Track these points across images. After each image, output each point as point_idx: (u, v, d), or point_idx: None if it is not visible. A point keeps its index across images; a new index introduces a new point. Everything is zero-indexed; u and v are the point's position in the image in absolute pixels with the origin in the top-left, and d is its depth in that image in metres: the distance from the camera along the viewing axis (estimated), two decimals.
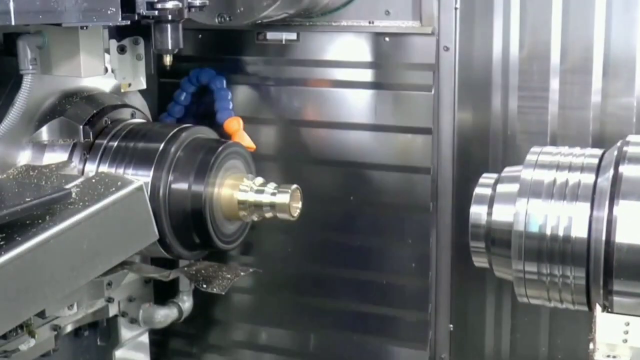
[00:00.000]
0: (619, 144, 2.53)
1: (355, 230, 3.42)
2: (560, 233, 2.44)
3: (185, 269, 3.14)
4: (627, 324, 2.35)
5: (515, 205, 2.51)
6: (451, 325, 3.41)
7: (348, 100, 3.35)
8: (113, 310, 3.34)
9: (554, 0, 3.06)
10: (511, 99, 3.18)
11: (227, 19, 3.10)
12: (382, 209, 3.36)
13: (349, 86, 3.35)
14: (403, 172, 3.31)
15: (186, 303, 3.54)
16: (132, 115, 3.20)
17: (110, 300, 3.28)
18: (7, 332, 2.70)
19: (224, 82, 3.45)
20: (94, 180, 2.47)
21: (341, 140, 3.39)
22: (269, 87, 3.46)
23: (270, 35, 3.41)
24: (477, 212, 2.63)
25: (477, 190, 2.66)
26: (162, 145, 2.95)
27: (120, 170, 2.94)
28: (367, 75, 3.31)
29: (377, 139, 3.32)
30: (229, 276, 3.04)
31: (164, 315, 3.47)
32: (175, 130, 3.04)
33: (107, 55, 3.02)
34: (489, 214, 2.59)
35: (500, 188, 2.61)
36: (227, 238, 3.06)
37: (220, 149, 2.98)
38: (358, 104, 3.33)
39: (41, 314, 2.86)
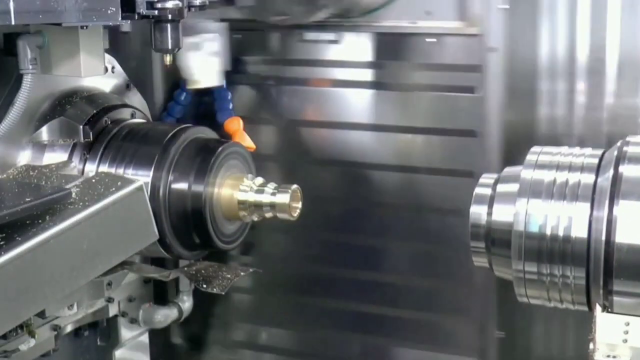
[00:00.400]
0: (619, 143, 2.53)
1: (400, 234, 3.38)
2: (560, 233, 2.44)
3: (185, 269, 3.13)
4: (627, 324, 2.35)
5: (515, 205, 2.51)
6: (500, 332, 3.32)
7: (389, 102, 3.31)
8: (113, 310, 3.33)
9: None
10: (559, 100, 3.11)
11: (284, 17, 3.14)
12: (425, 213, 3.32)
13: (390, 88, 3.31)
14: (447, 176, 3.26)
15: (186, 303, 3.54)
16: (132, 115, 3.20)
17: (110, 300, 3.27)
18: (7, 332, 2.70)
19: (224, 82, 3.45)
20: (94, 180, 2.47)
21: (389, 143, 3.35)
22: (310, 88, 3.44)
23: (310, 36, 3.38)
24: (477, 212, 2.62)
25: (477, 190, 2.66)
26: (162, 145, 2.95)
27: (120, 170, 2.94)
28: (409, 76, 3.26)
29: (421, 142, 3.28)
30: (229, 276, 3.04)
31: (164, 315, 3.47)
32: (175, 130, 3.04)
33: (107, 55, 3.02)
34: (489, 214, 2.59)
35: (500, 188, 2.61)
36: (227, 238, 3.06)
37: (220, 149, 2.98)
38: (399, 106, 3.29)
39: (41, 314, 2.86)
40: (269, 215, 2.98)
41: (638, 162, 2.42)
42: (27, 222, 2.12)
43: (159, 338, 3.73)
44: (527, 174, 2.56)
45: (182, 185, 2.91)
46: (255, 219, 3.02)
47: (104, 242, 2.32)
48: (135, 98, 3.36)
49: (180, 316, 3.52)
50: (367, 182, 3.38)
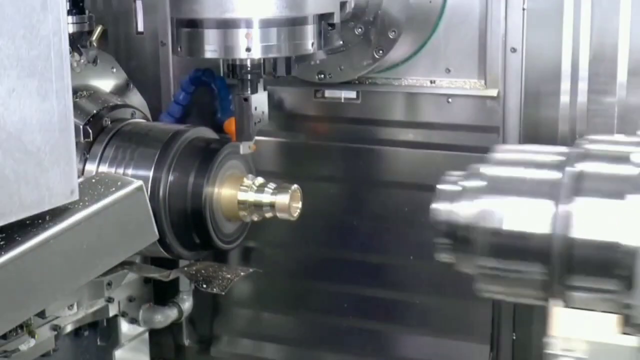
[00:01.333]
0: (583, 141, 2.56)
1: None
2: (524, 229, 2.44)
3: (185, 269, 3.13)
4: (585, 318, 2.39)
5: (478, 201, 2.54)
6: (514, 334, 3.30)
7: (407, 160, 3.29)
8: (113, 310, 3.33)
9: (623, 2, 2.94)
10: (580, 100, 3.06)
11: (328, 76, 3.19)
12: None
13: (409, 146, 3.28)
14: None
15: (186, 303, 3.54)
16: (132, 115, 3.20)
17: (110, 300, 3.28)
18: (7, 332, 2.70)
19: (225, 82, 3.45)
20: (94, 180, 2.46)
21: (404, 202, 3.31)
22: (327, 145, 3.42)
23: (329, 93, 3.37)
24: (440, 208, 2.65)
25: (441, 187, 2.68)
26: (162, 145, 2.95)
27: (120, 170, 2.94)
28: (427, 135, 3.24)
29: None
30: (229, 276, 3.04)
31: (164, 315, 3.47)
32: (175, 130, 3.04)
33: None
34: (453, 210, 2.62)
35: (465, 184, 2.63)
36: (227, 238, 3.06)
37: (220, 149, 2.98)
38: (417, 165, 3.27)
39: (41, 314, 2.86)
40: (269, 215, 2.98)
41: (599, 160, 2.44)
42: (27, 222, 2.11)
43: (159, 338, 3.73)
44: (491, 170, 2.59)
45: (182, 185, 2.91)
46: (255, 219, 3.02)
47: (104, 242, 2.31)
48: (135, 98, 3.36)
49: (180, 316, 3.52)
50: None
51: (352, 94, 3.34)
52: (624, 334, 2.31)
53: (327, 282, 3.52)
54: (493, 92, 3.11)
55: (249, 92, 2.75)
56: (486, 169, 2.56)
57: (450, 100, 3.19)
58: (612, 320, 2.33)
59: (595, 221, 2.34)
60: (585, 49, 3.01)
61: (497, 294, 2.59)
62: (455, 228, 2.55)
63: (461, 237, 2.54)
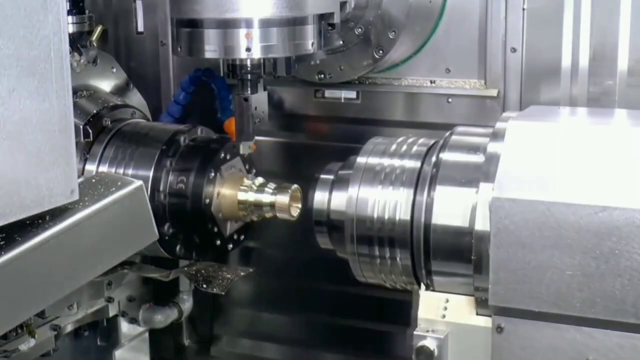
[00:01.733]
0: (447, 133, 2.65)
1: None
2: (387, 217, 2.58)
3: (185, 269, 3.13)
4: (447, 300, 2.49)
5: (349, 190, 2.64)
6: None
7: None
8: (113, 310, 3.33)
9: (623, 2, 2.92)
10: (579, 102, 3.04)
11: (328, 76, 3.20)
12: None
13: None
14: None
15: (186, 303, 3.54)
16: (132, 115, 3.20)
17: (110, 300, 3.28)
18: (7, 332, 2.70)
19: (225, 82, 3.45)
20: (94, 180, 2.46)
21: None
22: (327, 145, 3.40)
23: (329, 93, 3.37)
24: (319, 197, 2.73)
25: (322, 175, 2.76)
26: (162, 145, 2.96)
27: (120, 170, 2.94)
28: (427, 135, 3.17)
29: None
30: (229, 276, 3.04)
31: (164, 315, 3.47)
32: (175, 130, 3.05)
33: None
34: (329, 199, 2.68)
35: (340, 174, 2.71)
36: (227, 238, 3.06)
37: (220, 149, 2.98)
38: None
39: (41, 314, 2.86)
40: (269, 215, 2.98)
41: (456, 150, 2.58)
42: (27, 222, 2.11)
43: (159, 338, 3.73)
44: (361, 160, 2.68)
45: (182, 185, 2.91)
46: (255, 218, 3.02)
47: (104, 242, 2.31)
48: (135, 98, 3.36)
49: (180, 316, 3.52)
50: None
51: (352, 94, 3.34)
52: (479, 315, 2.42)
53: (326, 281, 3.52)
54: (493, 92, 3.11)
55: (249, 92, 2.75)
56: (358, 159, 2.70)
57: (450, 100, 3.19)
58: (470, 303, 2.45)
59: (449, 207, 2.48)
60: (585, 48, 3.00)
61: (371, 279, 2.73)
62: (329, 216, 2.70)
63: (335, 224, 2.69)
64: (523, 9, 3.05)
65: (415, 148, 2.69)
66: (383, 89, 3.30)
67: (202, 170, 2.93)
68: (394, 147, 2.71)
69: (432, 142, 2.71)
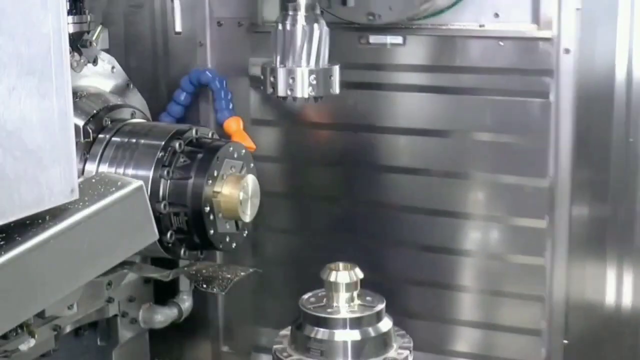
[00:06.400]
0: None
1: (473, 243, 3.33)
2: None
3: (185, 269, 3.13)
4: None
5: None
6: (565, 341, 3.19)
7: (456, 107, 3.21)
8: (113, 310, 3.33)
9: None
10: (634, 104, 2.94)
11: (377, 17, 3.10)
12: (494, 219, 3.25)
13: (456, 92, 3.20)
14: (517, 181, 3.17)
15: (186, 303, 3.53)
16: (132, 115, 3.20)
17: (110, 300, 3.27)
18: (7, 332, 2.69)
19: (224, 82, 3.44)
20: (94, 180, 2.46)
21: (453, 149, 3.26)
22: (374, 92, 3.33)
23: (374, 39, 3.28)
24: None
25: None
26: (162, 145, 2.95)
27: (121, 170, 2.94)
28: (476, 80, 3.16)
29: (489, 148, 3.19)
30: (229, 276, 3.04)
31: (164, 315, 3.46)
32: (175, 130, 3.04)
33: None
34: None
35: None
36: (228, 238, 3.05)
37: (220, 149, 2.98)
38: (465, 112, 3.19)
39: (41, 314, 2.85)
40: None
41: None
42: (27, 222, 2.11)
43: (158, 338, 3.72)
44: None
45: (182, 185, 2.91)
46: None
47: (104, 242, 2.31)
48: (135, 98, 3.36)
49: (180, 316, 3.51)
50: (478, 192, 3.27)
51: (398, 39, 3.24)
52: None
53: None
54: (547, 34, 3.00)
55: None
56: None
57: (501, 43, 3.08)
58: None
59: None
60: None
61: None
62: None
63: None
64: None
65: None
66: (430, 33, 3.19)
67: (202, 170, 2.92)
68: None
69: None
